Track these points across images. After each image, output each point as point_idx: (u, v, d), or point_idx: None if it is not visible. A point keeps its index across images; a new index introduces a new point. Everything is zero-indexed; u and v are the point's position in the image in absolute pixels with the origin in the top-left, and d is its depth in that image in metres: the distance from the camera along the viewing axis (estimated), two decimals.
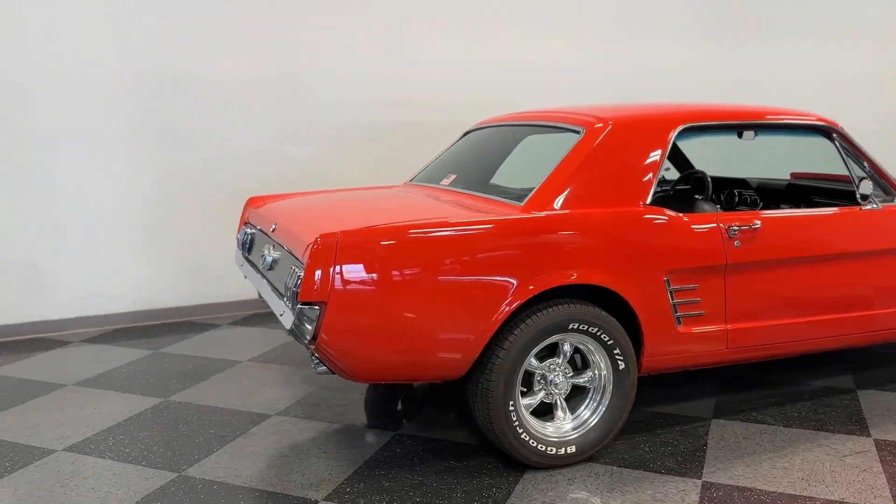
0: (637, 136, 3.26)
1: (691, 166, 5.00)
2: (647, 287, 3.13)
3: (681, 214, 3.22)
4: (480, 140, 4.18)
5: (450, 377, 2.97)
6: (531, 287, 2.91)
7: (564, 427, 3.13)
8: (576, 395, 3.19)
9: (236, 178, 5.69)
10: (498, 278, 2.89)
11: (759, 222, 3.31)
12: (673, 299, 3.19)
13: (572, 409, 3.17)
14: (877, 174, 3.67)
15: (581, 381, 3.16)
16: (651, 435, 3.45)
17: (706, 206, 3.60)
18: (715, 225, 3.24)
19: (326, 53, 5.79)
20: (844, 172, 4.65)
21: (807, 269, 3.45)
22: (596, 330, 3.05)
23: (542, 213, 3.02)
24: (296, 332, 2.75)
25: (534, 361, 3.07)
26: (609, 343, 3.09)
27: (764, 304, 3.39)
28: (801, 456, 3.21)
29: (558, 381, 3.12)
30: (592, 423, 3.14)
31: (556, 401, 3.15)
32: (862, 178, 3.55)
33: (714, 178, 4.89)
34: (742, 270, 3.30)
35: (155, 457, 3.28)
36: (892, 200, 3.67)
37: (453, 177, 3.93)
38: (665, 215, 3.17)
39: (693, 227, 3.21)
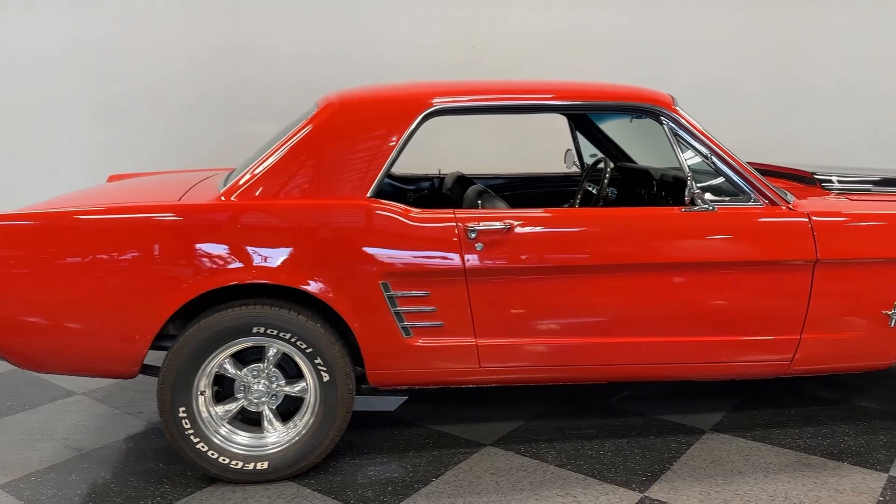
0: (367, 119, 2.84)
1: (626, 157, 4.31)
2: (358, 291, 2.73)
3: (412, 210, 2.77)
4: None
5: (124, 376, 2.78)
6: (196, 286, 2.64)
7: (264, 441, 2.82)
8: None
9: None
10: (162, 273, 2.65)
11: (510, 222, 2.77)
12: (395, 307, 2.76)
13: (286, 422, 2.86)
14: (726, 169, 2.94)
15: (293, 391, 2.83)
16: (620, 441, 3.12)
17: (498, 203, 3.08)
18: (451, 224, 2.75)
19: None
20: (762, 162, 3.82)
21: (585, 281, 2.85)
22: (289, 336, 2.71)
23: (212, 202, 2.72)
24: None
25: (229, 367, 2.78)
26: (309, 351, 2.74)
27: (523, 319, 2.85)
28: (786, 486, 2.73)
29: (260, 389, 2.81)
30: (295, 440, 2.81)
31: (263, 411, 2.85)
32: (689, 174, 2.88)
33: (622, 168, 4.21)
34: (490, 278, 2.79)
35: None
36: (747, 201, 2.94)
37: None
38: (387, 210, 2.74)
39: (421, 225, 2.75)
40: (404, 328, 2.78)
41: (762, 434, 3.15)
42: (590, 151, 4.44)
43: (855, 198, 3.18)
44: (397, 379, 2.88)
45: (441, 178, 4.20)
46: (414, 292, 2.77)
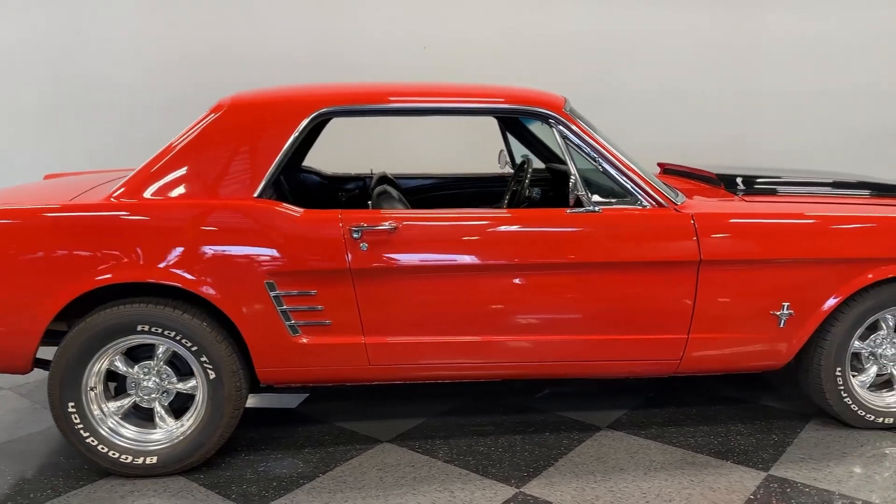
0: (256, 121, 2.90)
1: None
2: (243, 290, 2.79)
3: (298, 210, 2.83)
4: None
5: (18, 371, 2.85)
6: (79, 285, 2.71)
7: (151, 436, 2.89)
8: None
9: None
10: (47, 272, 2.72)
11: (396, 223, 2.82)
12: (281, 305, 2.82)
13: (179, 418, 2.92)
14: (613, 171, 2.98)
15: (185, 388, 2.90)
16: (515, 438, 3.17)
17: (395, 204, 3.14)
18: (335, 225, 2.81)
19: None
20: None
21: (472, 281, 2.90)
22: (174, 334, 2.77)
23: (99, 202, 2.79)
24: None
25: (120, 364, 2.85)
26: (194, 350, 2.80)
27: (411, 318, 2.90)
28: (662, 483, 2.77)
29: (149, 386, 2.88)
30: (183, 436, 2.87)
31: (154, 407, 2.91)
32: (573, 177, 2.93)
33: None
34: (378, 278, 2.84)
35: None
36: (634, 203, 2.98)
37: None
38: (271, 211, 2.80)
39: (307, 225, 2.81)
40: (291, 327, 2.84)
41: (656, 432, 3.19)
42: (523, 152, 4.47)
43: (752, 199, 3.21)
44: (287, 377, 2.93)
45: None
46: (300, 291, 2.82)
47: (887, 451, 3.00)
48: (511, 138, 4.37)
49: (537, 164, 3.99)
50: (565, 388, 3.69)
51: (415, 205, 4.19)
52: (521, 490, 2.73)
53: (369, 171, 4.42)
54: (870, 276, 2.99)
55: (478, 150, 5.91)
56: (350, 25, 5.77)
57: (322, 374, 2.95)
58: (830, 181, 3.58)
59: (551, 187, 4.09)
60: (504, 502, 2.66)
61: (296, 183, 4.23)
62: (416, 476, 2.85)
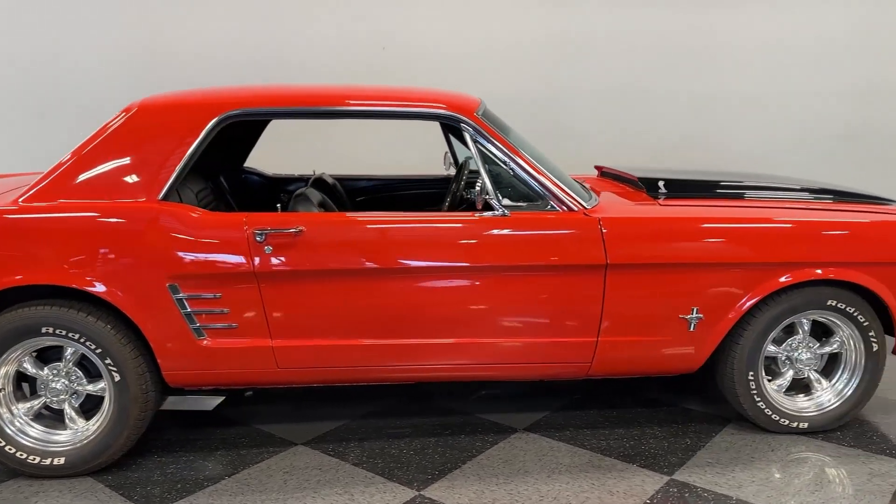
0: (162, 124, 2.91)
1: None
2: (146, 293, 2.81)
3: (203, 213, 2.84)
4: None
5: None
6: None
7: (59, 437, 2.91)
8: None
9: None
10: None
11: (301, 226, 2.83)
12: (185, 308, 2.83)
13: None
14: (523, 175, 2.98)
15: (94, 389, 2.92)
16: (429, 440, 3.18)
17: (311, 206, 3.15)
18: (240, 227, 2.82)
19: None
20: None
21: (380, 284, 2.91)
22: (78, 336, 2.79)
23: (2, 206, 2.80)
24: None
25: (29, 365, 2.87)
26: (98, 352, 2.82)
27: (318, 321, 2.91)
28: (562, 486, 2.79)
29: (58, 388, 2.90)
30: (90, 437, 2.89)
31: (64, 408, 2.93)
32: (480, 181, 2.93)
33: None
34: (284, 281, 2.85)
35: None
36: (544, 207, 2.98)
37: None
38: (176, 213, 2.81)
39: (210, 228, 2.82)
40: (196, 329, 2.85)
41: (571, 434, 3.19)
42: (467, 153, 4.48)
43: (669, 203, 3.20)
44: (194, 380, 2.95)
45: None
46: (205, 294, 2.84)
47: (796, 457, 3.00)
48: (453, 140, 4.38)
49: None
50: (495, 390, 3.69)
51: (361, 206, 4.22)
52: (421, 493, 2.74)
53: (312, 173, 4.43)
54: (780, 280, 2.99)
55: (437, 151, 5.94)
56: (307, 26, 5.78)
57: (230, 377, 2.97)
58: (757, 185, 3.57)
59: None
60: None
61: (237, 184, 4.25)
62: (321, 479, 2.86)
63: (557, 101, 6.12)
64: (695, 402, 3.52)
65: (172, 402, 3.12)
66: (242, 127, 3.90)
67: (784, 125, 6.31)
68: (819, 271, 2.99)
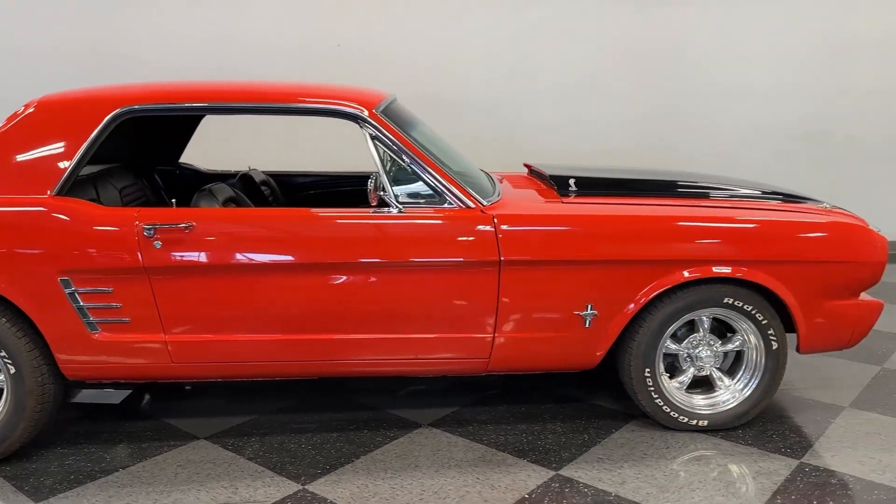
0: (58, 120, 2.95)
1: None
2: (39, 287, 2.84)
3: (94, 208, 2.88)
4: None
5: None
6: None
7: None
8: None
9: None
10: None
11: (192, 221, 2.86)
12: (78, 303, 2.86)
13: None
14: (421, 172, 2.99)
15: None
16: (331, 436, 3.20)
17: (213, 202, 3.18)
18: (130, 223, 2.85)
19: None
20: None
21: (273, 280, 2.93)
22: None
23: None
24: None
25: None
26: None
27: (210, 316, 2.94)
28: (447, 480, 2.82)
29: None
30: None
31: None
32: (374, 177, 2.95)
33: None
34: (175, 276, 2.88)
35: None
36: (441, 203, 2.99)
37: None
38: (67, 208, 2.85)
39: (101, 223, 2.85)
40: (90, 324, 2.89)
41: (473, 430, 3.21)
42: None
43: (572, 201, 3.21)
44: (90, 373, 2.99)
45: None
46: (97, 289, 2.87)
47: (688, 455, 3.00)
48: None
49: None
50: (419, 386, 3.71)
51: (298, 203, 4.24)
52: (305, 487, 2.76)
53: (247, 168, 4.46)
54: (674, 278, 2.99)
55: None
56: (254, 24, 5.81)
57: (125, 371, 3.00)
58: (671, 182, 3.58)
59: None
60: (282, 499, 2.70)
61: (172, 180, 4.28)
62: (212, 473, 2.89)
63: (516, 97, 6.14)
64: (606, 399, 3.52)
65: (81, 396, 3.16)
66: (175, 123, 3.95)
67: (744, 124, 6.30)
68: (714, 269, 2.99)
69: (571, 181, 3.40)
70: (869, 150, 6.45)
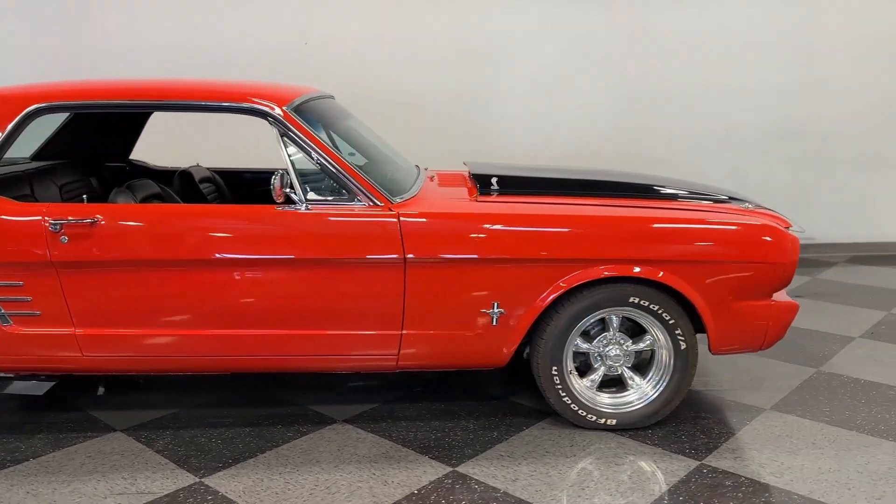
0: None
1: None
2: None
3: (4, 203, 2.94)
4: None
5: None
6: None
7: None
8: None
9: None
10: None
11: (98, 217, 2.91)
12: None
13: None
14: (330, 169, 3.01)
15: None
16: (244, 430, 3.24)
17: (128, 198, 3.24)
18: (37, 218, 2.91)
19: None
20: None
21: (180, 275, 2.98)
22: None
23: None
24: None
25: None
26: None
27: (118, 310, 3.00)
28: (343, 475, 2.86)
29: None
30: None
31: None
32: (282, 172, 2.99)
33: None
34: (82, 270, 2.94)
35: None
36: (350, 201, 3.02)
37: None
38: None
39: (9, 218, 2.92)
40: (1, 316, 2.95)
41: (385, 426, 3.24)
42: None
43: (486, 199, 3.23)
44: (4, 364, 3.05)
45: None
46: (7, 282, 2.94)
47: (590, 454, 3.01)
48: None
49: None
50: (358, 383, 3.75)
51: (244, 200, 4.29)
52: (202, 480, 2.81)
53: (196, 164, 4.52)
54: (578, 276, 2.99)
55: None
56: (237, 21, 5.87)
57: (38, 364, 3.07)
58: (597, 182, 3.59)
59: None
60: (175, 491, 2.74)
61: (123, 176, 4.35)
62: (117, 464, 2.95)
63: (477, 101, 6.16)
64: (527, 397, 3.53)
65: (11, 388, 3.22)
66: (123, 120, 4.02)
67: (716, 121, 6.27)
68: (604, 270, 2.99)
69: (493, 180, 3.41)
70: (843, 149, 6.39)
